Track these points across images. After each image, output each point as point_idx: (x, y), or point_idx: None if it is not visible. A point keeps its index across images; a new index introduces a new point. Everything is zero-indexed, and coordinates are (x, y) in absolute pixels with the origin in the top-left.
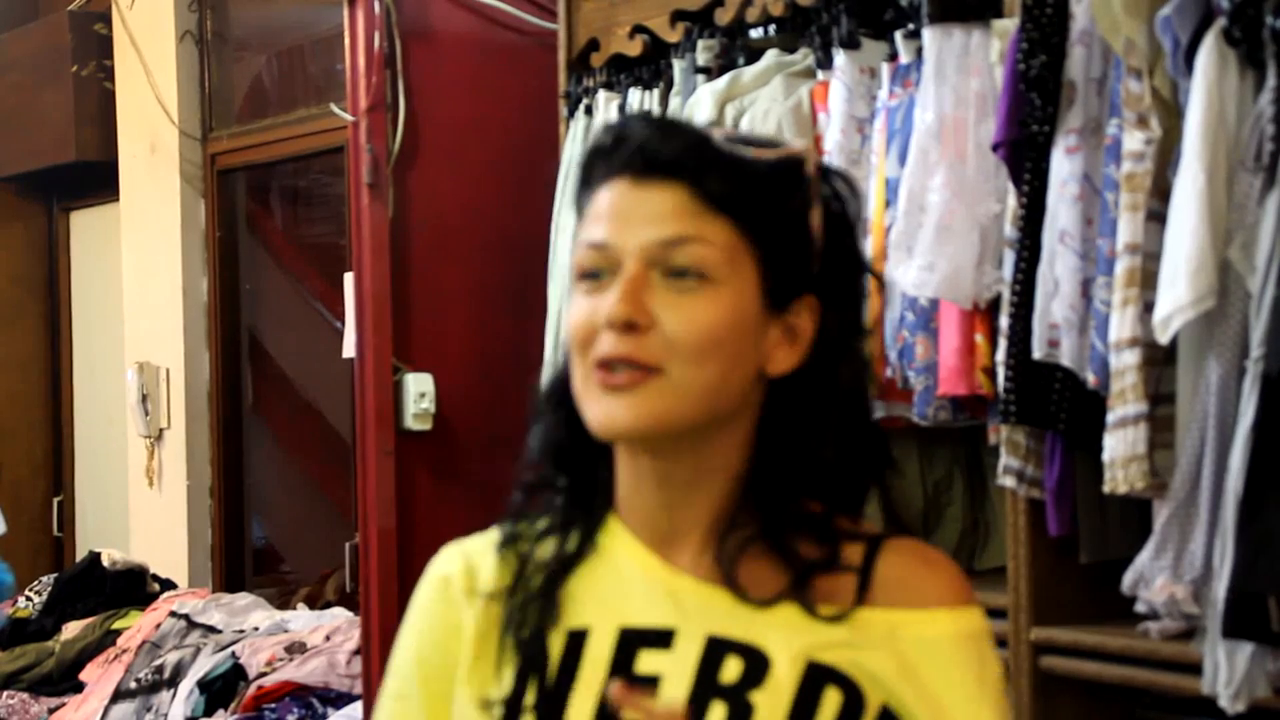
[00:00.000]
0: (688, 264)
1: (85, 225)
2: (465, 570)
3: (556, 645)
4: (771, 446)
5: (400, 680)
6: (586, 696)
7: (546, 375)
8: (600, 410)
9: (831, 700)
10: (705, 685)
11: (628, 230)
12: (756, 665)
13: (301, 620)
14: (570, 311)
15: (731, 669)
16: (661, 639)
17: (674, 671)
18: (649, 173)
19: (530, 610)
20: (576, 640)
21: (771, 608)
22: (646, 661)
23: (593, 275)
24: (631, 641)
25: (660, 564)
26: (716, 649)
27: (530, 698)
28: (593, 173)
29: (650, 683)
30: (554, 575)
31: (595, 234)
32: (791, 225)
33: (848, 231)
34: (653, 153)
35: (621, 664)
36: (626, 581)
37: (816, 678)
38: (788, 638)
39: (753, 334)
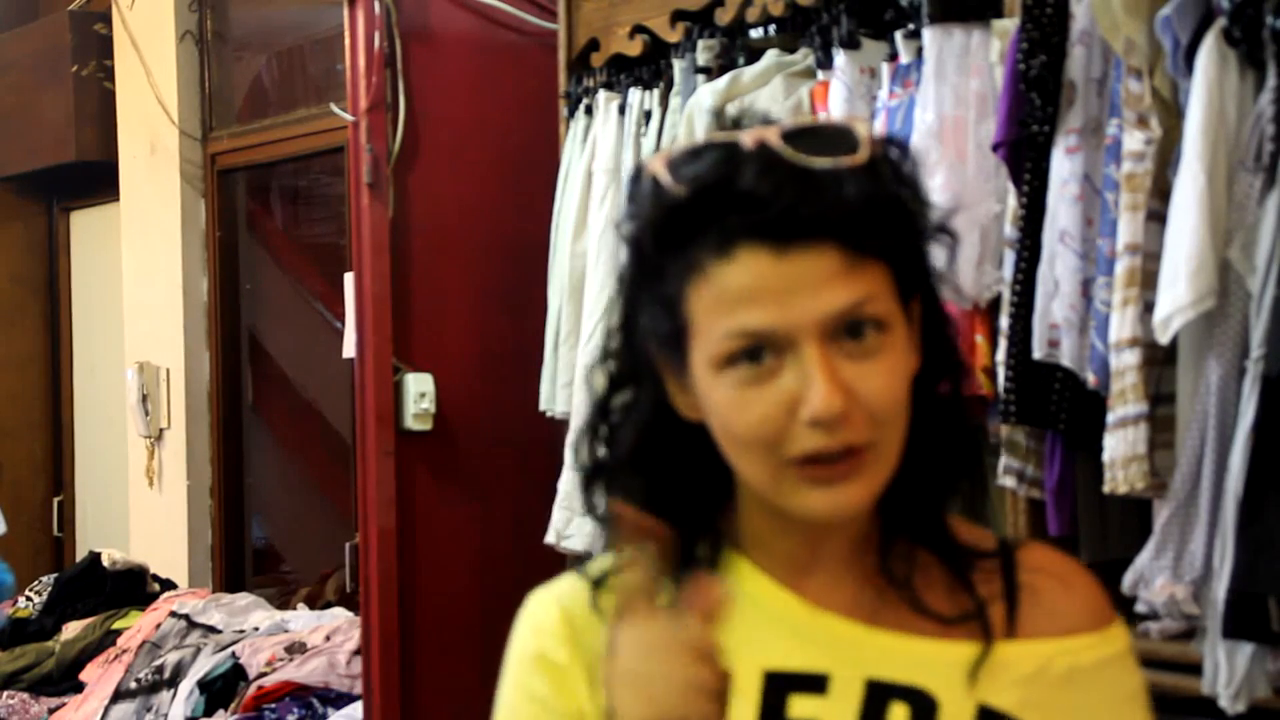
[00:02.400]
0: (870, 328)
1: (85, 225)
2: (570, 638)
3: None
4: (915, 453)
5: None
6: None
7: (546, 376)
8: (819, 504)
9: None
10: None
11: (790, 308)
12: (924, 710)
13: (301, 620)
14: (728, 406)
15: (898, 715)
16: (814, 683)
17: (834, 719)
18: (795, 239)
19: None
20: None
21: (921, 641)
22: (800, 707)
23: (750, 357)
24: (780, 686)
25: (798, 601)
26: (878, 694)
27: None
28: (686, 228)
29: None
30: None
31: (753, 321)
32: (913, 239)
33: (923, 213)
34: (800, 214)
35: (772, 709)
36: (763, 622)
37: None
38: (949, 678)
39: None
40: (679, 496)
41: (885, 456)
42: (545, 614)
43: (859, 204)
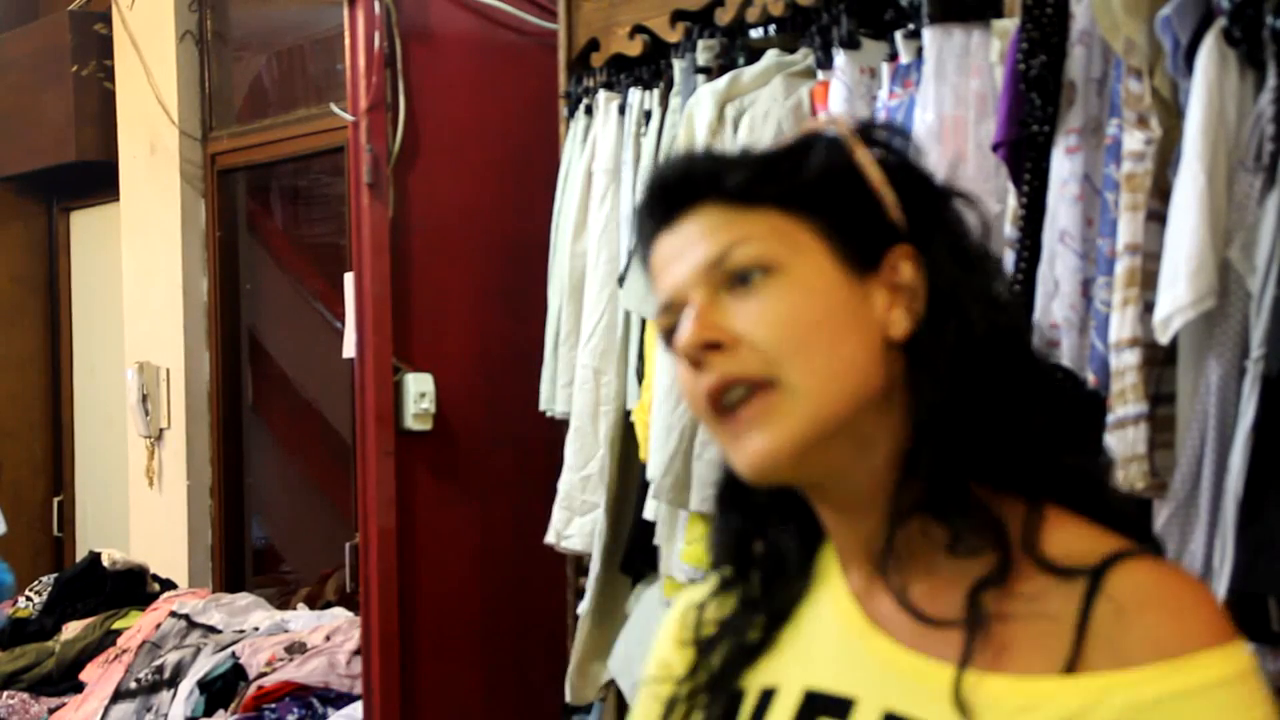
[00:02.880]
0: (742, 265)
1: (85, 225)
2: (677, 637)
3: (749, 702)
4: (927, 419)
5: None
6: None
7: (546, 376)
8: (743, 458)
9: None
10: None
11: (676, 272)
12: None
13: (301, 620)
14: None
15: None
16: (841, 708)
17: None
18: (674, 211)
19: (723, 674)
20: (765, 699)
21: (953, 672)
22: None
23: (670, 331)
24: (814, 707)
25: (862, 617)
26: None
27: None
28: (643, 249)
29: None
30: (754, 649)
31: (660, 297)
32: (840, 184)
33: (914, 173)
34: (668, 189)
35: None
36: (827, 638)
37: None
38: (971, 715)
39: (849, 303)
40: (765, 506)
41: (800, 398)
42: (672, 613)
43: (725, 159)
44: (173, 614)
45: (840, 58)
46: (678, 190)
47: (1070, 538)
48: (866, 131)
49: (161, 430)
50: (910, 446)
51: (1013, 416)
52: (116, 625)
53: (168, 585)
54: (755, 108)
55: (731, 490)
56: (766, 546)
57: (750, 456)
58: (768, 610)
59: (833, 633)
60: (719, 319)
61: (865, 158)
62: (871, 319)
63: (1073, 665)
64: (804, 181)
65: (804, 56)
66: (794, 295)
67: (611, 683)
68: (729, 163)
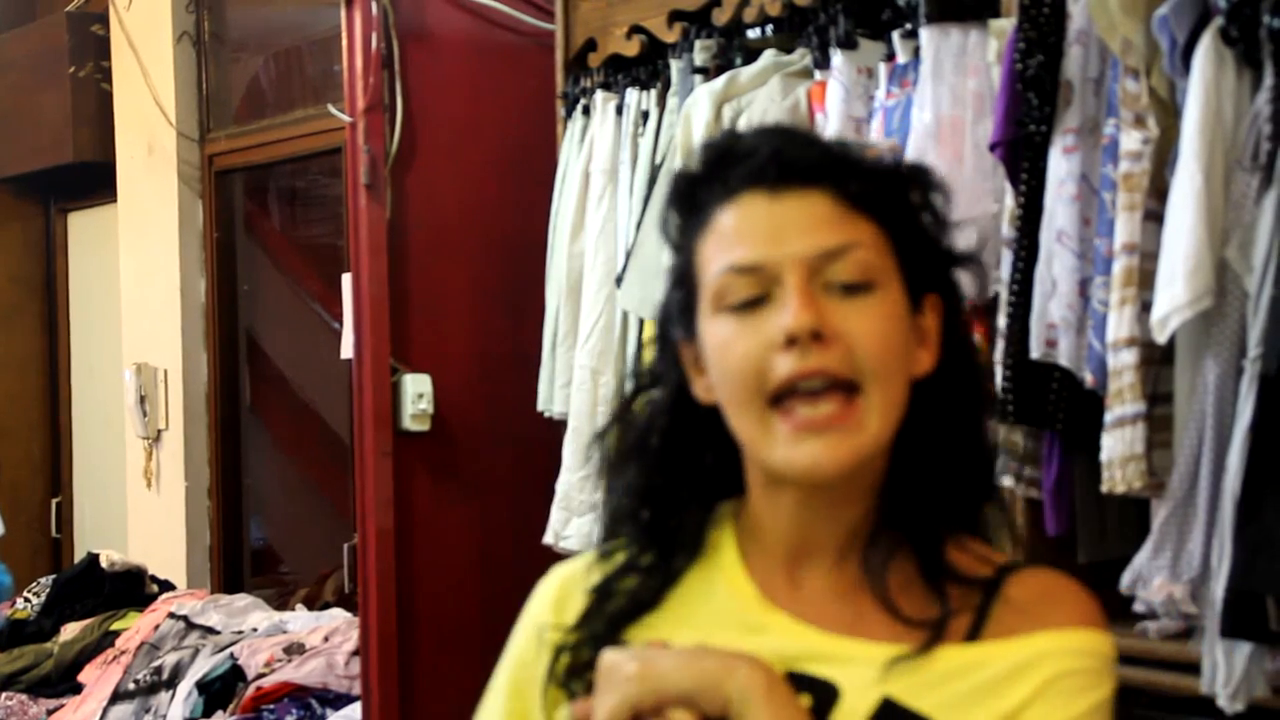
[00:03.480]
0: (854, 272)
1: (83, 226)
2: (557, 604)
3: None
4: (914, 453)
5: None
6: None
7: (544, 376)
8: (802, 457)
9: None
10: None
11: (781, 244)
12: (826, 699)
13: (300, 621)
14: (722, 345)
15: (802, 701)
16: None
17: None
18: (786, 182)
19: (606, 631)
20: None
21: (857, 642)
22: None
23: (746, 304)
24: None
25: (757, 597)
26: (791, 682)
27: None
28: (698, 195)
29: None
30: (639, 609)
31: (743, 255)
32: (916, 222)
33: (945, 229)
34: (790, 160)
35: None
36: (719, 607)
37: (886, 715)
38: (866, 674)
39: (910, 336)
40: (688, 479)
41: (876, 412)
42: (547, 583)
43: (852, 157)
44: (171, 615)
45: (837, 58)
46: (799, 166)
47: (976, 557)
48: (925, 181)
49: (159, 431)
50: (892, 469)
51: (974, 461)
52: (115, 626)
53: (166, 586)
54: (753, 108)
55: (652, 440)
56: (668, 517)
57: (817, 459)
58: (660, 575)
59: (729, 606)
60: (826, 312)
61: (930, 205)
62: (912, 355)
63: (975, 638)
64: (901, 209)
65: (801, 57)
66: (887, 316)
67: None
68: (854, 159)
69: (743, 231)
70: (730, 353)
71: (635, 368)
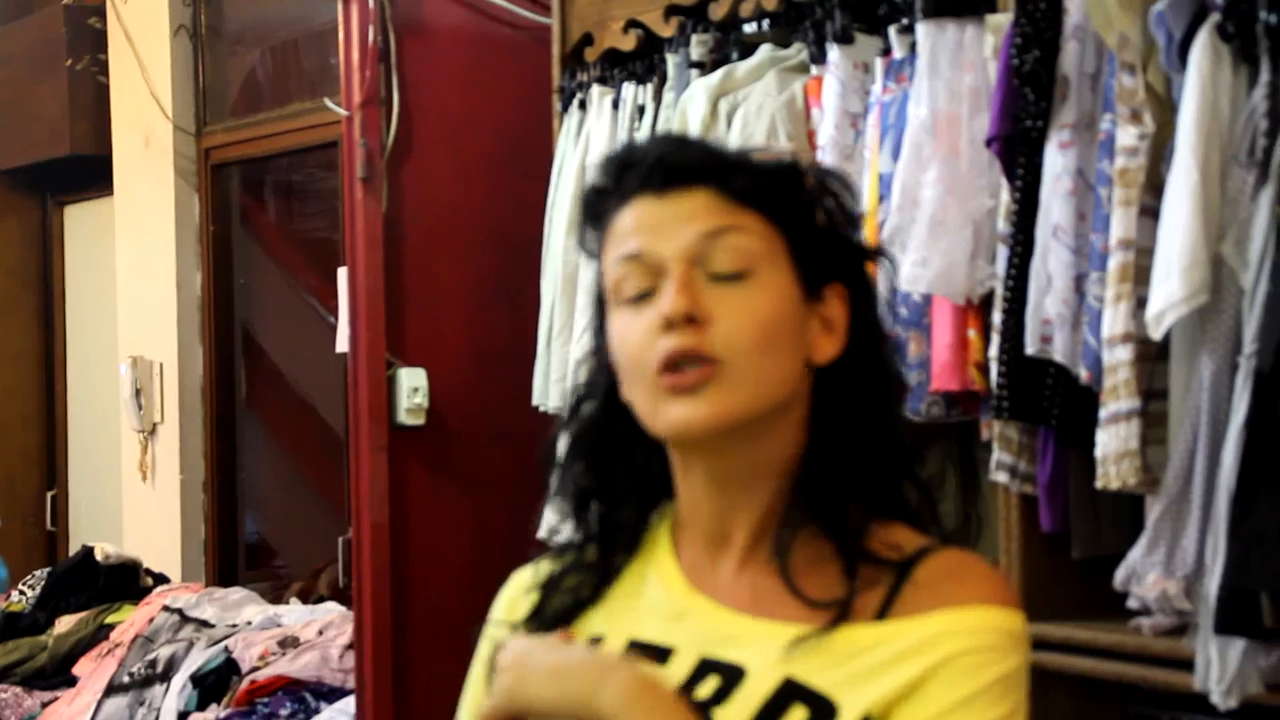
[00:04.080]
0: (731, 257)
1: (79, 219)
2: (509, 607)
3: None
4: (824, 437)
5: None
6: None
7: (539, 371)
8: (674, 414)
9: (797, 715)
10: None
11: (663, 237)
12: (731, 681)
13: (294, 615)
14: (619, 333)
15: (708, 686)
16: (660, 655)
17: None
18: (671, 184)
19: (562, 613)
20: (592, 644)
21: (764, 622)
22: None
23: (637, 296)
24: (635, 653)
25: (683, 583)
26: (703, 669)
27: None
28: (601, 205)
29: None
30: (582, 604)
31: (629, 247)
32: (808, 216)
33: (853, 223)
34: (673, 164)
35: None
36: (651, 597)
37: (787, 694)
38: (771, 656)
39: (798, 323)
40: (623, 477)
41: (741, 382)
42: (510, 585)
43: (735, 158)
44: (165, 608)
45: (834, 53)
46: (681, 167)
47: (896, 541)
48: (824, 178)
49: (155, 425)
50: (804, 453)
51: (886, 445)
52: (109, 619)
53: (160, 580)
54: (748, 103)
55: (590, 441)
56: (606, 515)
57: (686, 414)
58: (600, 572)
59: (658, 596)
60: (700, 297)
61: (831, 202)
62: (804, 340)
63: (884, 615)
64: (790, 203)
65: (797, 51)
66: (764, 299)
67: None
68: (734, 159)
69: (632, 228)
70: (625, 341)
71: (577, 378)
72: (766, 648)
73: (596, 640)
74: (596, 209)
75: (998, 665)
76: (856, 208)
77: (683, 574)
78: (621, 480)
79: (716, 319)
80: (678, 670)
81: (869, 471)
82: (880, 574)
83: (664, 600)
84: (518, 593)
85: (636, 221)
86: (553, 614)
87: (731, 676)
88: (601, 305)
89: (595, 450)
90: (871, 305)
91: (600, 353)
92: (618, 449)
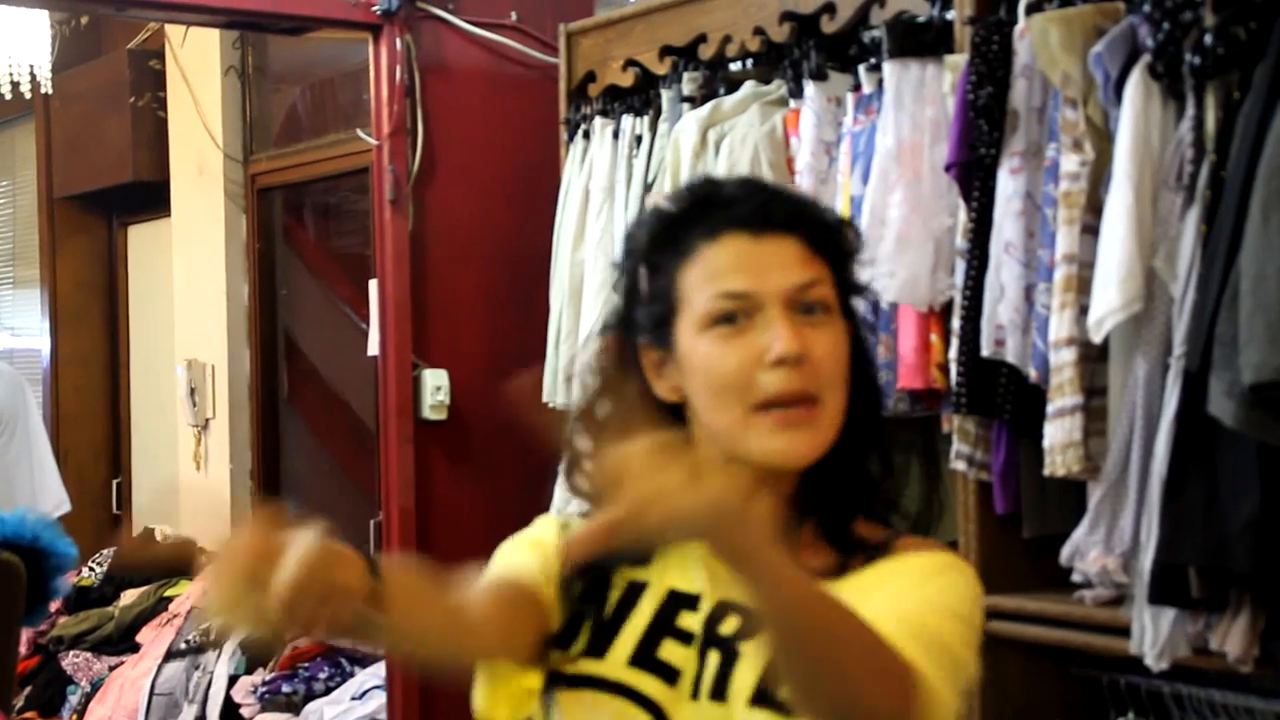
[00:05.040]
0: (817, 303)
1: (141, 238)
2: (560, 525)
3: (617, 590)
4: (828, 463)
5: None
6: (632, 632)
7: (549, 370)
8: (775, 445)
9: None
10: (710, 636)
11: (764, 279)
12: (750, 621)
13: None
14: (709, 357)
15: (729, 624)
16: (693, 601)
17: (698, 627)
18: (767, 228)
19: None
20: (636, 589)
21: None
22: (684, 620)
23: (728, 319)
24: (676, 601)
25: (706, 550)
26: (723, 610)
27: (587, 623)
28: (677, 232)
29: (685, 635)
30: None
31: (732, 284)
32: (849, 266)
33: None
34: (772, 211)
35: (664, 616)
36: (687, 553)
37: (722, 611)
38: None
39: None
40: None
41: (830, 416)
42: (544, 522)
43: (816, 212)
44: None
45: (810, 88)
46: (779, 217)
47: (869, 533)
48: (858, 234)
49: (207, 420)
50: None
51: (877, 453)
52: (169, 593)
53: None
54: (734, 133)
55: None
56: None
57: (791, 448)
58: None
59: (692, 554)
60: (806, 340)
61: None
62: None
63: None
64: (846, 255)
65: (778, 87)
66: (841, 339)
67: None
68: (817, 214)
69: (731, 266)
70: (721, 365)
71: (592, 368)
72: None
73: (639, 584)
74: (670, 233)
75: (952, 587)
76: (862, 254)
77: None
78: None
79: (814, 357)
80: (706, 611)
81: (862, 476)
82: (865, 553)
83: (698, 556)
84: (565, 528)
85: (736, 259)
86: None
87: (749, 616)
88: (663, 320)
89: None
90: (863, 334)
91: (629, 350)
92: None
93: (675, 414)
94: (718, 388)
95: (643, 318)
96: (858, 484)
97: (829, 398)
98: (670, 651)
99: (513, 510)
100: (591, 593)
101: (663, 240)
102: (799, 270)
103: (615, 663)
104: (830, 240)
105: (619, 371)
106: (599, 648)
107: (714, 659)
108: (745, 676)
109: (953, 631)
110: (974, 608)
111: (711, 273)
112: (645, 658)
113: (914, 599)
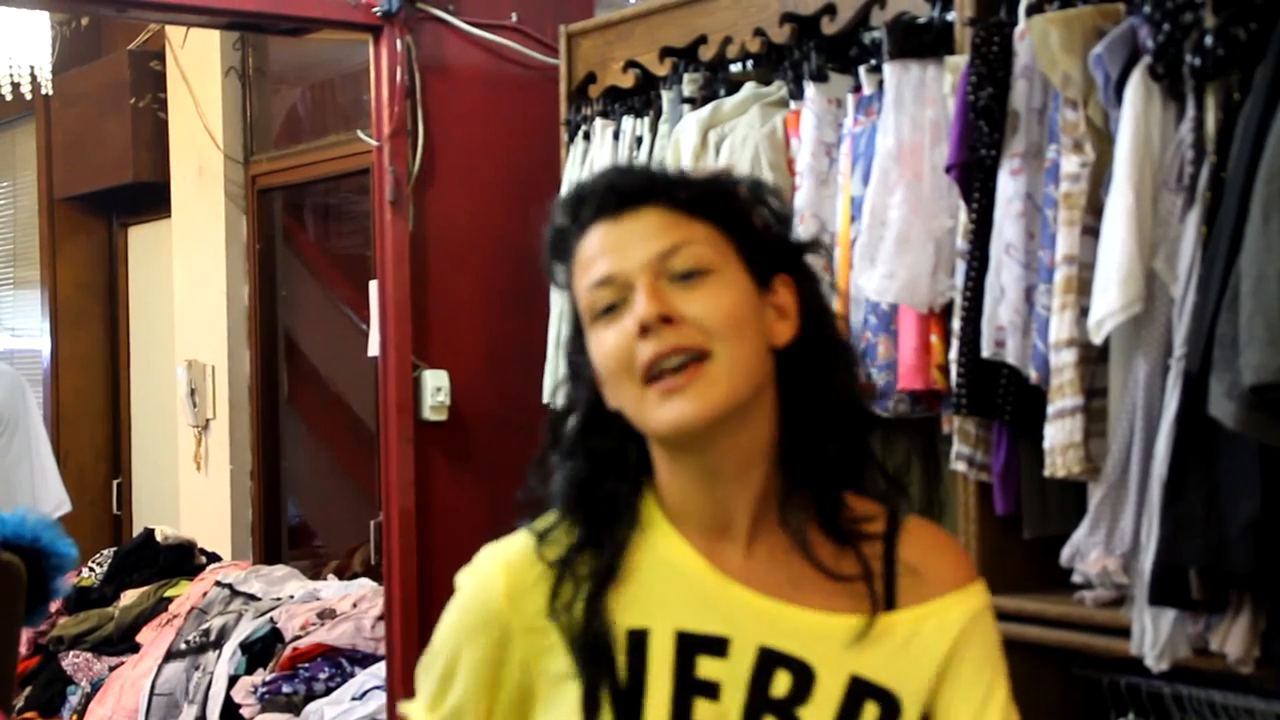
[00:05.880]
0: (690, 263)
1: (141, 239)
2: (509, 593)
3: (620, 642)
4: (796, 414)
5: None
6: (659, 696)
7: (549, 372)
8: (667, 414)
9: (870, 713)
10: (758, 697)
11: (626, 256)
12: (804, 679)
13: (331, 589)
14: (599, 347)
15: (781, 683)
16: (717, 646)
17: (731, 680)
18: (623, 208)
19: (589, 614)
20: (637, 640)
21: (811, 614)
22: (705, 668)
23: (608, 310)
24: (690, 646)
25: (709, 569)
26: (768, 661)
27: (605, 694)
28: (564, 241)
29: (711, 688)
30: (604, 581)
31: (598, 271)
32: (748, 218)
33: (784, 222)
34: (623, 188)
35: (683, 668)
36: (678, 584)
37: (858, 692)
38: (828, 650)
39: (757, 312)
40: (615, 467)
41: (725, 371)
42: (488, 574)
43: (675, 176)
44: (218, 583)
45: (810, 90)
46: (630, 191)
47: (861, 509)
48: (758, 189)
49: (208, 420)
50: (781, 435)
51: (850, 410)
52: (168, 593)
53: (213, 558)
54: (735, 134)
55: (580, 443)
56: (603, 495)
57: (680, 413)
58: (606, 550)
59: (687, 582)
60: (669, 299)
61: (761, 206)
62: (763, 326)
63: (891, 605)
64: (730, 209)
65: (778, 88)
66: (728, 292)
67: None
68: (676, 178)
69: (597, 252)
70: (604, 351)
71: (558, 394)
72: (821, 641)
73: (639, 633)
74: (560, 245)
75: (995, 633)
76: (785, 209)
77: (707, 561)
78: (614, 470)
79: (688, 315)
80: (741, 661)
81: (840, 440)
82: (868, 546)
83: (696, 587)
84: (519, 587)
85: (599, 245)
86: (588, 598)
87: (802, 674)
88: (579, 331)
89: (588, 450)
90: (816, 290)
91: (580, 371)
92: (609, 446)
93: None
94: (609, 373)
95: (571, 339)
96: (834, 457)
97: (720, 350)
98: (704, 714)
99: (511, 510)
100: (594, 658)
101: (556, 255)
102: (660, 237)
103: None
104: (704, 199)
105: (574, 390)
106: None
107: None
108: None
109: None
110: (1003, 652)
111: (584, 266)
112: None
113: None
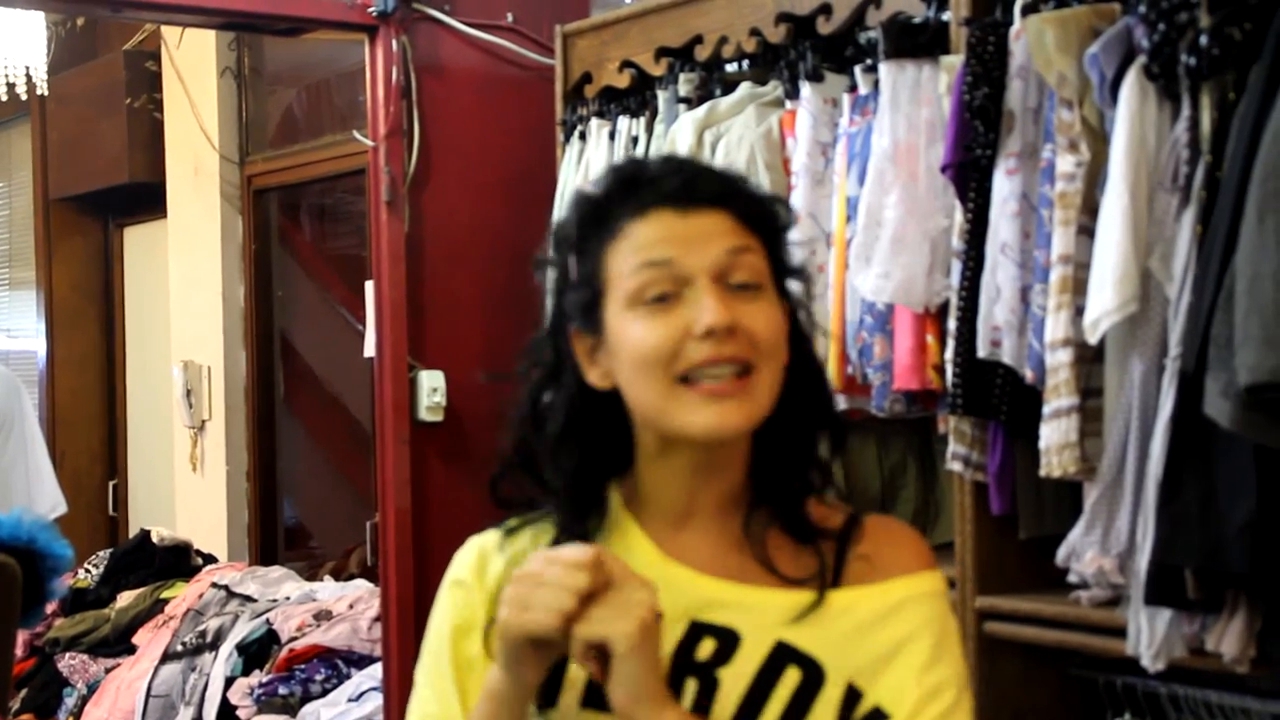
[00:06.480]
0: (748, 274)
1: (137, 239)
2: (478, 569)
3: None
4: (774, 430)
5: (435, 670)
6: (581, 669)
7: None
8: (708, 418)
9: (791, 677)
10: (681, 661)
11: (690, 250)
12: (728, 644)
13: (328, 590)
14: (634, 332)
15: (706, 648)
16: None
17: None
18: (694, 203)
19: None
20: None
21: (749, 590)
22: None
23: (658, 299)
24: None
25: (656, 551)
26: (697, 631)
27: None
28: (608, 211)
29: None
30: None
31: (656, 254)
32: (782, 241)
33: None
34: (695, 185)
35: None
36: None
37: (781, 656)
38: (762, 622)
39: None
40: (592, 453)
41: (766, 388)
42: (466, 551)
43: (745, 187)
44: (214, 585)
45: (806, 89)
46: (704, 189)
47: (825, 512)
48: (787, 206)
49: (204, 421)
50: (757, 441)
51: (826, 428)
52: (165, 595)
53: (209, 559)
54: (730, 134)
55: (570, 434)
56: (581, 486)
57: (723, 420)
58: (577, 538)
59: (632, 561)
60: (735, 311)
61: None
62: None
63: (836, 585)
64: (777, 229)
65: (774, 88)
66: (775, 310)
67: None
68: (745, 189)
69: (657, 239)
70: (646, 340)
71: (529, 363)
72: (754, 612)
73: None
74: (599, 214)
75: (946, 619)
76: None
77: (655, 545)
78: (591, 456)
79: (745, 328)
80: (672, 633)
81: (809, 454)
82: (824, 543)
83: (641, 567)
84: (482, 560)
85: (662, 232)
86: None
87: (727, 640)
88: (590, 306)
89: (566, 432)
90: (797, 314)
91: (561, 339)
92: (587, 429)
93: (616, 408)
94: (643, 362)
95: (572, 303)
96: (806, 466)
97: (764, 368)
98: None
99: (510, 511)
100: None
101: (590, 223)
102: (727, 241)
103: (566, 709)
104: (761, 215)
105: (554, 362)
106: (549, 697)
107: (691, 688)
108: (726, 707)
109: (960, 705)
110: (958, 640)
111: (637, 247)
112: (597, 697)
113: (925, 698)
